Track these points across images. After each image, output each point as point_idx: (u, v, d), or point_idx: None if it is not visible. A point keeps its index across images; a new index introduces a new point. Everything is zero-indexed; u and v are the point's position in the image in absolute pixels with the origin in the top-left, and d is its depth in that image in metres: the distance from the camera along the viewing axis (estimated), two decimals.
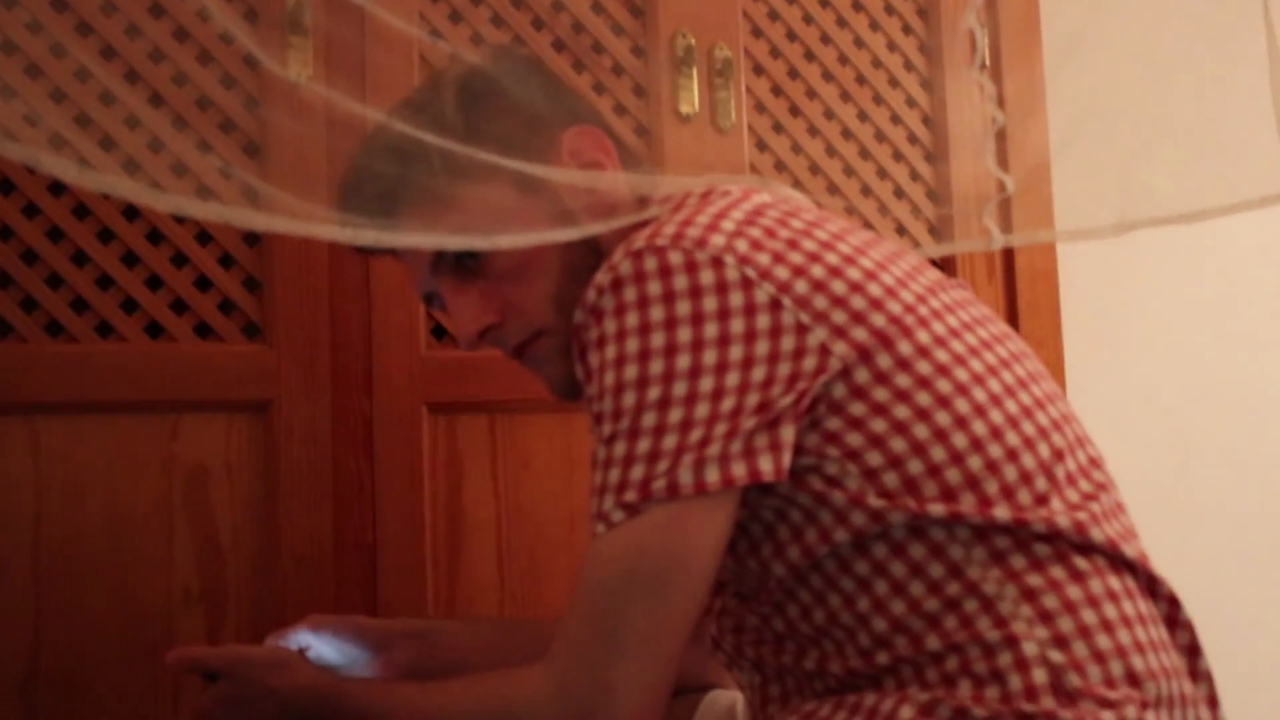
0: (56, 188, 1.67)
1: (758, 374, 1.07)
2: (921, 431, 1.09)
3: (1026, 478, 1.10)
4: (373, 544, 1.73)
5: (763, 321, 1.08)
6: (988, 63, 2.03)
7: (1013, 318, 2.03)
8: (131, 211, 1.69)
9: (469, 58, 1.48)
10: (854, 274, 1.12)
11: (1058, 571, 1.08)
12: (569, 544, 1.80)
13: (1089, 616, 1.06)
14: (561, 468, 1.82)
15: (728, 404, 1.07)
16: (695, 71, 1.90)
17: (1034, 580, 1.07)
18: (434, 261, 1.26)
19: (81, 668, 1.63)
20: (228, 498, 1.69)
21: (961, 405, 1.10)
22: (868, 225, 1.97)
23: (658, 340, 1.08)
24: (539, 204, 1.22)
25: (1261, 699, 2.18)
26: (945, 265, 2.00)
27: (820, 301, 1.09)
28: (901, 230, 2.01)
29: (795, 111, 1.99)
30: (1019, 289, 2.04)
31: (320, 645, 1.39)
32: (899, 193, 2.02)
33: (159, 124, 1.64)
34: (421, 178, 1.21)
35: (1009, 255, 2.05)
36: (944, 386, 1.10)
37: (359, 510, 1.73)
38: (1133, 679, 1.05)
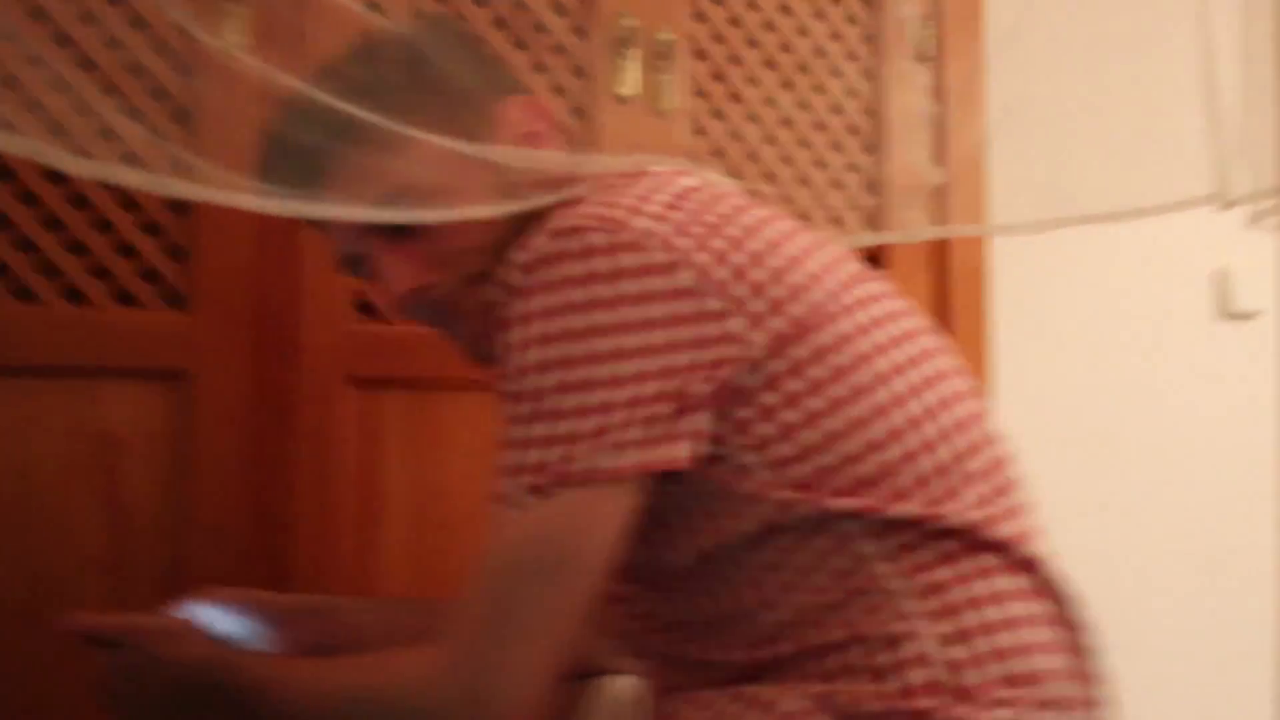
0: None
1: (674, 360, 1.06)
2: (833, 424, 1.08)
3: (934, 472, 1.10)
4: (288, 518, 1.71)
5: (683, 307, 1.07)
6: (930, 54, 2.03)
7: (945, 312, 2.03)
8: (55, 175, 1.66)
9: (401, 27, 1.46)
10: (775, 262, 1.11)
11: (960, 568, 1.08)
12: (485, 524, 1.78)
13: (990, 614, 1.07)
14: (482, 447, 1.79)
15: (644, 389, 1.06)
16: (637, 54, 1.89)
17: (936, 576, 1.07)
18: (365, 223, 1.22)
19: None
20: (142, 467, 1.67)
21: (869, 402, 1.09)
22: (803, 215, 1.96)
23: (577, 322, 1.07)
24: (475, 168, 1.20)
25: (1172, 699, 2.20)
26: (880, 258, 1.99)
27: (740, 289, 1.09)
28: (837, 220, 2.00)
29: (735, 97, 1.97)
30: (952, 284, 2.04)
31: (217, 618, 1.36)
32: (836, 182, 2.02)
33: (87, 88, 1.62)
34: (351, 142, 1.18)
35: (942, 250, 2.05)
36: (858, 379, 1.10)
37: (275, 483, 1.71)
38: (1030, 678, 1.06)
